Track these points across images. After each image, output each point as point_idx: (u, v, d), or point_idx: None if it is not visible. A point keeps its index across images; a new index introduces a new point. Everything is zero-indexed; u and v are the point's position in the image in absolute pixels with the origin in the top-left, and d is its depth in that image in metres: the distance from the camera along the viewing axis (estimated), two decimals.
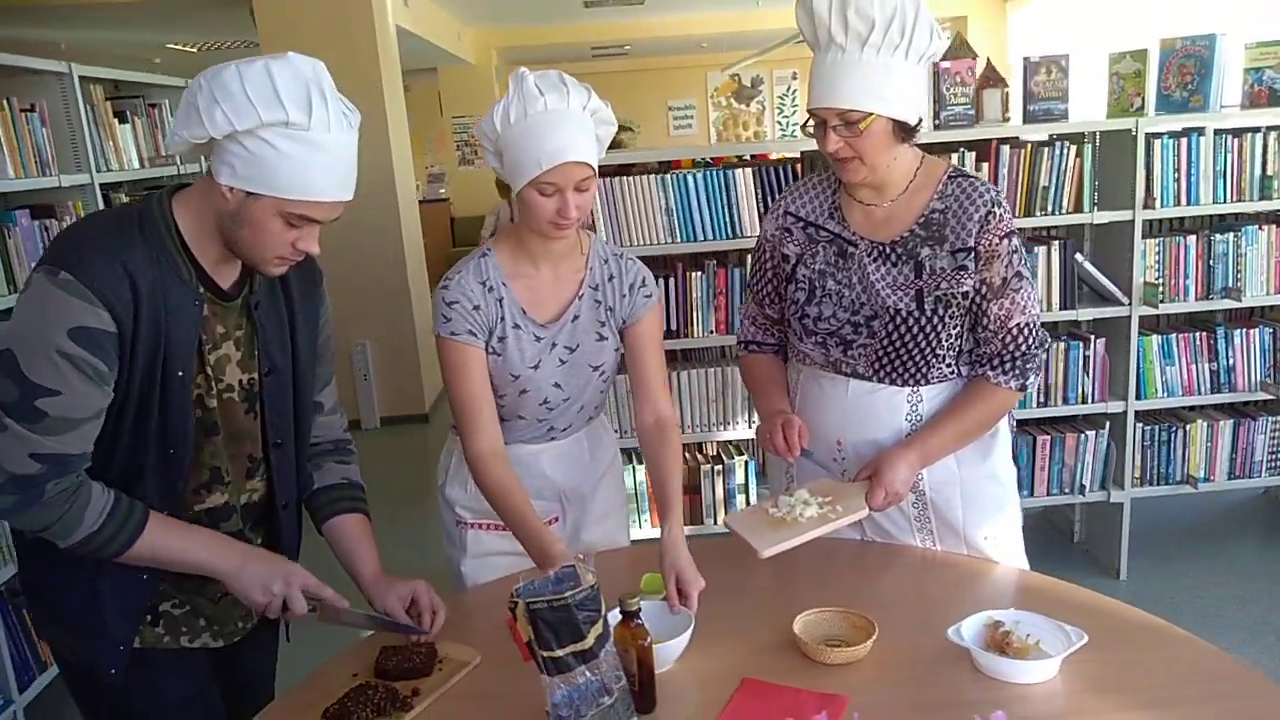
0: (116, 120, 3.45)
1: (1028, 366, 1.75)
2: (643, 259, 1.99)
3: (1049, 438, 3.32)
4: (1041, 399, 3.29)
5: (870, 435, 1.80)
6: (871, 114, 1.63)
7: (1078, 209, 3.17)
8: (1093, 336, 3.29)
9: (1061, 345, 3.27)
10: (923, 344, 1.74)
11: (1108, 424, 3.36)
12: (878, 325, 1.76)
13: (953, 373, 1.79)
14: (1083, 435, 3.32)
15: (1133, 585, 3.41)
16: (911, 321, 1.74)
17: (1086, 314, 3.24)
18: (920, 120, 1.71)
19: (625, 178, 3.06)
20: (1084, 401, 3.31)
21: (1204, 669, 1.44)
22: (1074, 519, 3.79)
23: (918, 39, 1.62)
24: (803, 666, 1.49)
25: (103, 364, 1.35)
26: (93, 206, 3.19)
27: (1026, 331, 1.74)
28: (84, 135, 3.15)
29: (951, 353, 1.77)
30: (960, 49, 3.54)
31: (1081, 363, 3.27)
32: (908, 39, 1.61)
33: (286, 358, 1.59)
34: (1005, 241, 1.71)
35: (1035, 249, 3.18)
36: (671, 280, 3.13)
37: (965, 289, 1.73)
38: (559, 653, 1.26)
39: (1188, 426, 3.37)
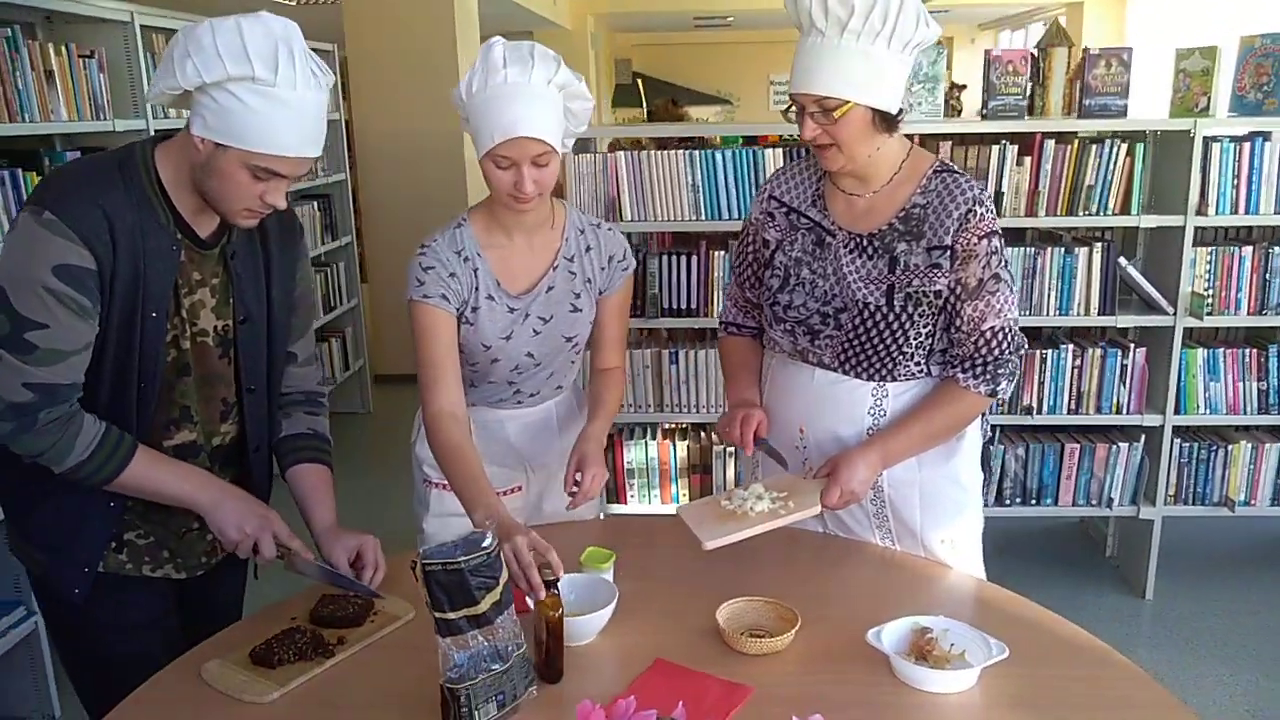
0: None
1: (999, 372, 1.69)
2: (666, 234, 2.02)
3: (1078, 446, 3.20)
4: (1073, 406, 3.17)
5: (832, 426, 1.78)
6: (848, 102, 1.59)
7: (1124, 211, 3.03)
8: (1133, 345, 3.15)
9: (1098, 352, 3.14)
10: (889, 340, 1.70)
11: (1143, 437, 3.22)
12: (845, 318, 1.72)
13: (921, 371, 1.74)
14: (1115, 447, 3.19)
15: (1159, 606, 3.28)
16: (879, 317, 1.70)
17: (1127, 321, 3.10)
18: (902, 110, 1.66)
19: (655, 151, 3.05)
20: (1118, 412, 3.17)
21: (1124, 692, 1.39)
22: (1107, 532, 3.65)
23: (902, 27, 1.56)
24: (721, 654, 1.49)
25: (85, 299, 1.44)
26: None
27: (1001, 336, 1.68)
28: (142, 82, 3.28)
29: (921, 351, 1.72)
30: (1056, 37, 3.40)
31: (1119, 371, 3.14)
32: (890, 26, 1.56)
33: (261, 307, 1.65)
34: (984, 242, 1.65)
35: (1076, 250, 3.05)
36: (694, 258, 3.11)
37: (938, 288, 1.68)
38: (451, 615, 1.29)
39: (1230, 446, 3.21)
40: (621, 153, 3.05)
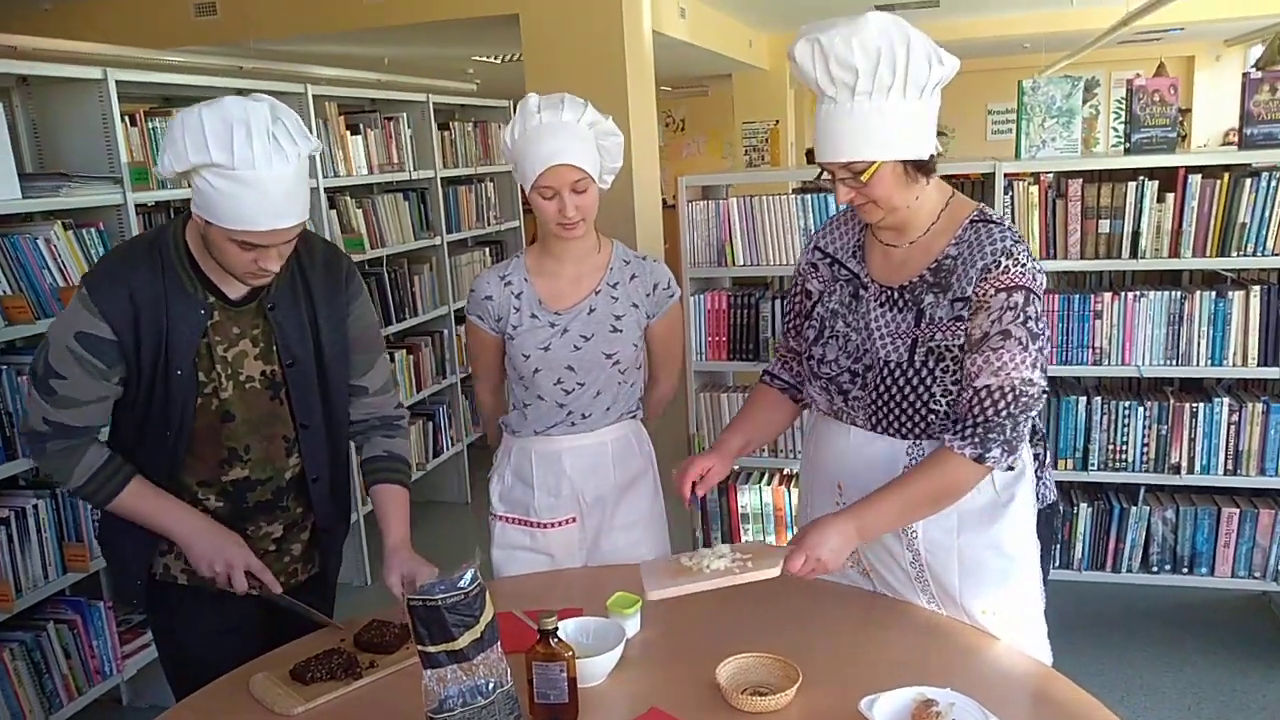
0: (349, 132, 3.96)
1: (989, 436, 1.56)
2: (774, 278, 2.09)
3: (1237, 511, 2.88)
4: (1230, 466, 2.87)
5: (869, 483, 1.71)
6: (874, 162, 1.56)
7: None
8: None
9: (1259, 407, 2.83)
10: (911, 397, 1.63)
11: None
12: (871, 376, 1.67)
13: None
14: None
15: None
16: (899, 373, 1.64)
17: None
18: (933, 155, 1.61)
19: (766, 196, 3.06)
20: None
21: None
22: None
23: (914, 74, 1.52)
24: (719, 708, 1.49)
25: (100, 363, 1.67)
26: (318, 207, 3.69)
27: (996, 396, 1.56)
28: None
29: (951, 409, 1.63)
30: (1278, 58, 3.10)
31: None
32: (901, 77, 1.51)
33: (308, 350, 1.81)
34: (1001, 295, 1.55)
35: (1231, 294, 2.78)
36: None
37: (960, 342, 1.60)
38: (431, 649, 1.37)
39: None
40: (735, 199, 3.09)
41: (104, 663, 2.85)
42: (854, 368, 1.70)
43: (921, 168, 1.60)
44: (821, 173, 1.65)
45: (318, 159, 3.69)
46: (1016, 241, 1.59)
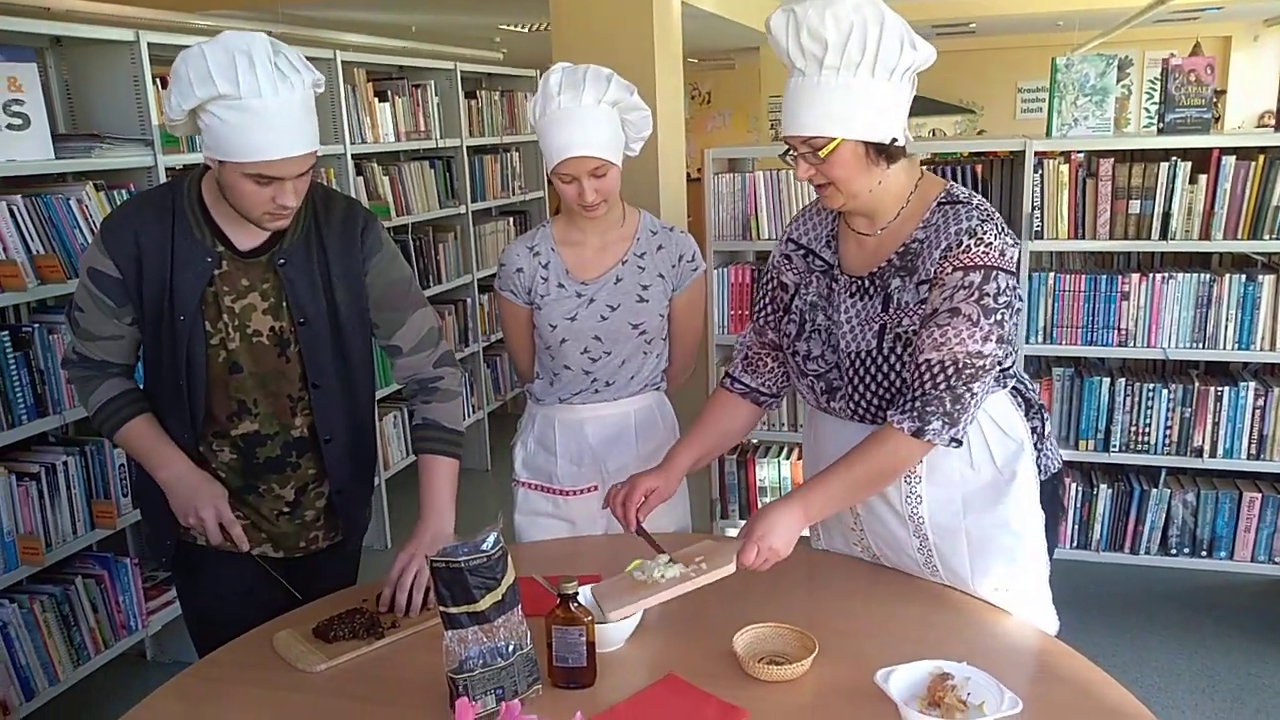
0: (377, 99, 3.96)
1: (927, 409, 1.52)
2: None
3: (1259, 496, 2.87)
4: (1253, 451, 2.85)
5: None
6: (834, 139, 1.53)
7: None
8: None
9: None
10: (885, 384, 1.61)
11: None
12: (845, 367, 1.66)
13: None
14: None
15: None
16: (869, 362, 1.62)
17: None
18: (895, 140, 1.55)
19: (790, 171, 3.03)
20: None
21: None
22: None
23: (885, 54, 1.48)
24: (736, 676, 1.49)
25: (110, 301, 1.73)
26: (344, 174, 3.71)
27: (936, 370, 1.52)
28: (342, 111, 3.66)
29: None
30: None
31: None
32: (871, 55, 1.48)
33: (321, 309, 1.79)
34: (958, 274, 1.52)
35: (1261, 278, 2.75)
36: None
37: None
38: (453, 610, 1.39)
39: None
40: (761, 172, 3.08)
41: (130, 618, 2.91)
42: (838, 359, 1.68)
43: (884, 152, 1.56)
44: (787, 150, 1.61)
45: (345, 126, 3.70)
46: (984, 220, 1.55)
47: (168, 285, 1.71)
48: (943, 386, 1.53)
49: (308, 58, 1.66)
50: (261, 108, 1.53)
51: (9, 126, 2.51)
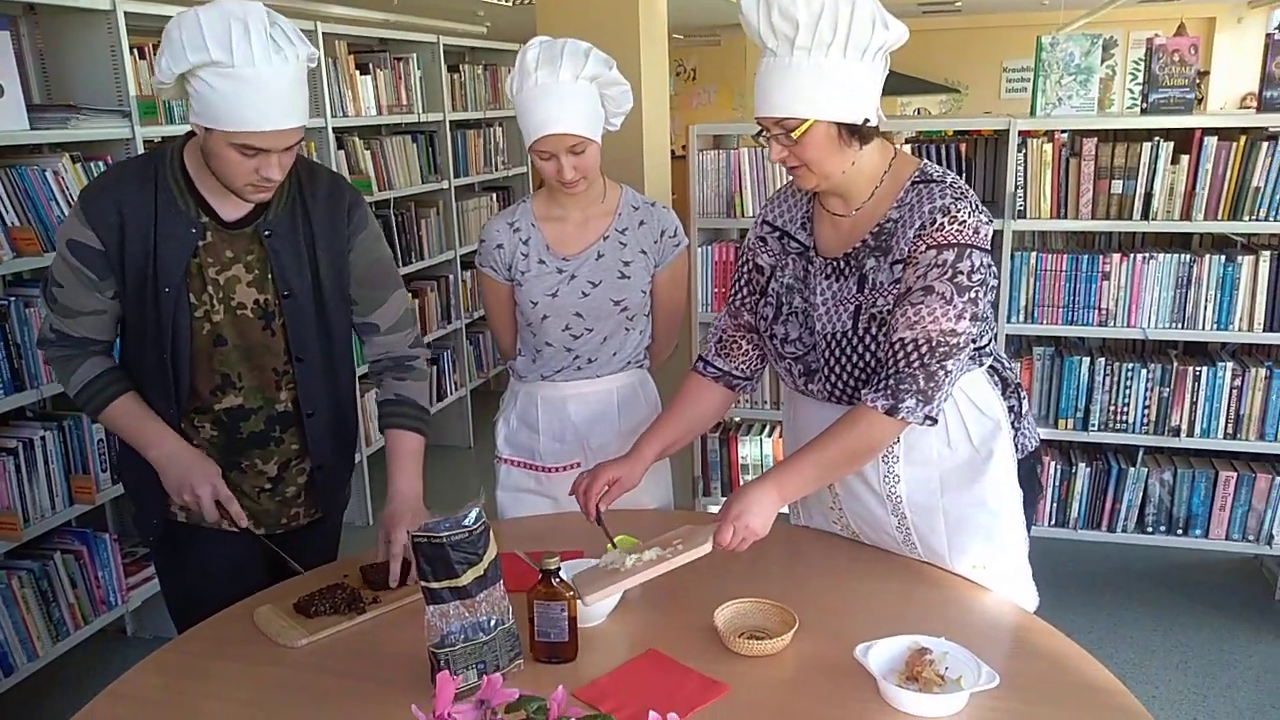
0: (358, 72, 3.92)
1: (900, 387, 1.52)
2: None
3: (1234, 475, 2.90)
4: (1230, 430, 2.88)
5: None
6: (806, 120, 1.52)
7: None
8: None
9: (1262, 373, 2.84)
10: (861, 365, 1.61)
11: None
12: (821, 349, 1.66)
13: None
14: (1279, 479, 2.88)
15: None
16: (844, 343, 1.62)
17: None
18: (867, 120, 1.55)
19: None
20: None
21: None
22: (1278, 572, 3.28)
23: (856, 34, 1.48)
24: (717, 651, 1.51)
25: (91, 273, 1.69)
26: (325, 147, 3.68)
27: (910, 348, 1.52)
28: (323, 85, 3.62)
29: None
30: None
31: None
32: (843, 35, 1.47)
33: (305, 283, 1.78)
34: (931, 252, 1.52)
35: (1240, 259, 2.77)
36: None
37: None
38: (434, 585, 1.39)
39: None
40: (745, 149, 3.07)
41: (109, 593, 2.90)
42: (815, 343, 1.68)
43: (856, 133, 1.56)
44: (760, 132, 1.61)
45: (326, 98, 3.66)
46: (958, 198, 1.55)
47: (151, 256, 1.68)
48: (916, 365, 1.53)
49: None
50: (254, 77, 1.51)
51: None
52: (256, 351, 1.79)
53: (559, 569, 1.50)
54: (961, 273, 1.52)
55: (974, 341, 1.59)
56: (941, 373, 1.53)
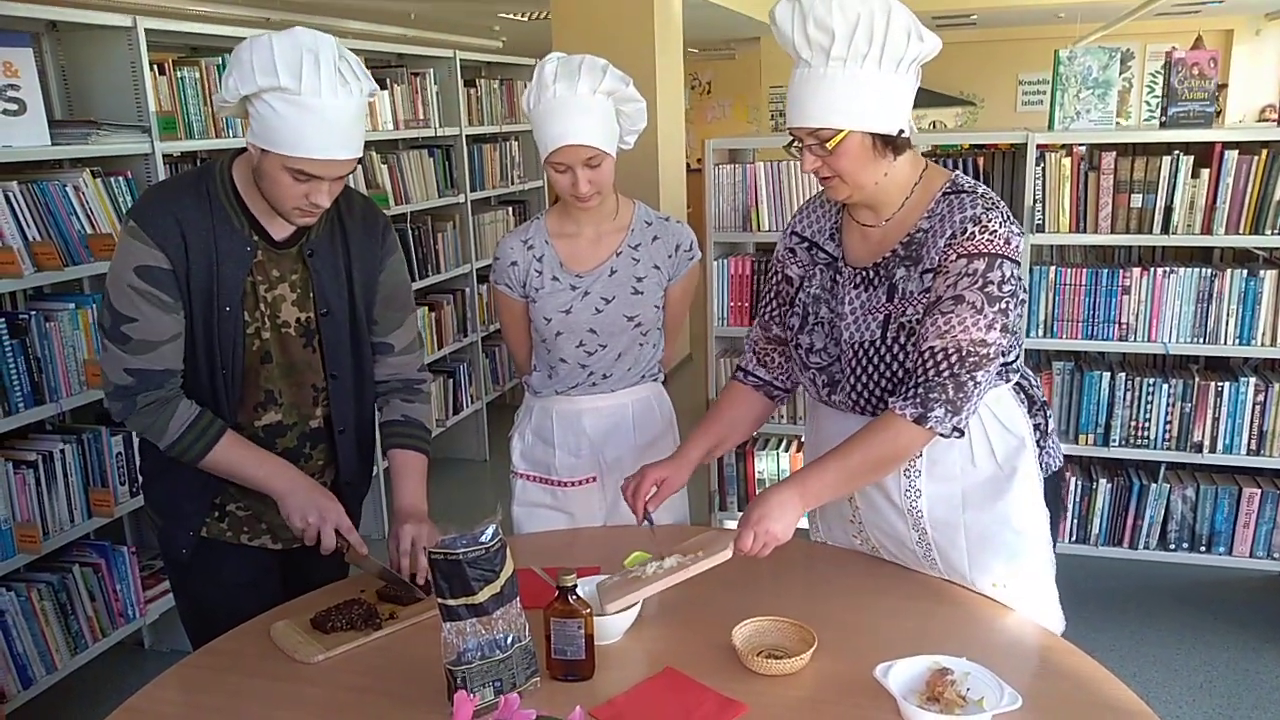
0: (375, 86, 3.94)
1: (930, 396, 1.52)
2: None
3: (1259, 492, 2.87)
4: (1253, 446, 2.85)
5: None
6: (841, 130, 1.52)
7: None
8: None
9: None
10: (888, 376, 1.60)
11: None
12: (847, 359, 1.65)
13: None
14: None
15: None
16: (873, 352, 1.61)
17: None
18: (902, 131, 1.55)
19: (791, 162, 3.03)
20: None
21: None
22: None
23: (891, 45, 1.48)
24: (734, 670, 1.49)
25: (165, 296, 1.67)
26: None
27: (940, 357, 1.52)
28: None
29: None
30: None
31: None
32: (878, 46, 1.47)
33: (343, 301, 1.82)
34: (962, 261, 1.51)
35: (1263, 273, 2.74)
36: None
37: None
38: (451, 602, 1.39)
39: None
40: (761, 163, 3.06)
41: (127, 606, 2.91)
42: (841, 353, 1.68)
43: (890, 143, 1.56)
44: (792, 141, 1.61)
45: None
46: (989, 208, 1.54)
47: (214, 275, 1.69)
48: (946, 374, 1.52)
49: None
50: (318, 107, 1.54)
51: (5, 112, 2.49)
52: (298, 368, 1.81)
53: (576, 585, 1.49)
54: (992, 282, 1.51)
55: (1003, 355, 1.58)
56: (971, 383, 1.53)
